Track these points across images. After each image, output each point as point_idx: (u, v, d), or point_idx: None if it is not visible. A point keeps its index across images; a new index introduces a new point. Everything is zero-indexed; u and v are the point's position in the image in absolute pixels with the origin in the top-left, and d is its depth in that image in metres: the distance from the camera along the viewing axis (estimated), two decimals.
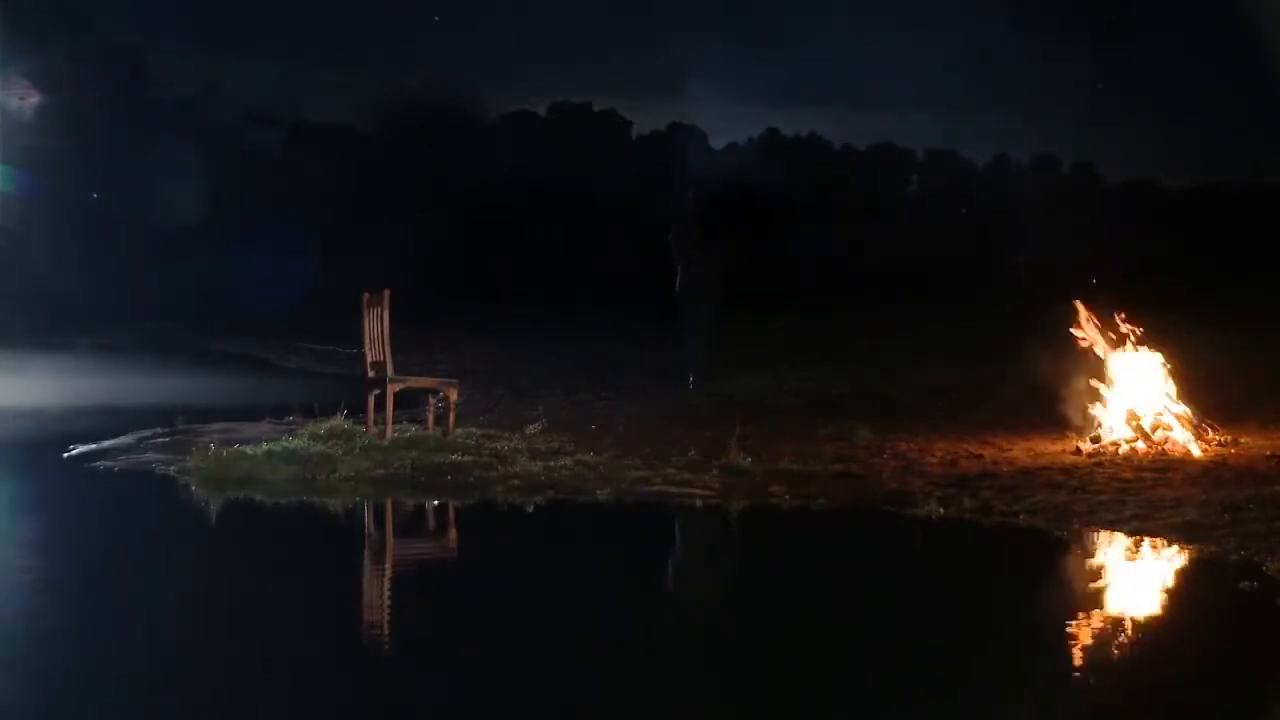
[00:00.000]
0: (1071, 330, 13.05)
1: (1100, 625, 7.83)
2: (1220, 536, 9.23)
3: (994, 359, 17.55)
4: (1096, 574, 9.18)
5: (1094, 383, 12.83)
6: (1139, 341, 12.90)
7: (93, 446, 12.69)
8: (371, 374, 12.61)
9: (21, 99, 37.01)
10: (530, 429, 13.13)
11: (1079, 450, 12.23)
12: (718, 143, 44.91)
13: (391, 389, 12.43)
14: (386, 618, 8.00)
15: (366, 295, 12.75)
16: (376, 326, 12.60)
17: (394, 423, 12.50)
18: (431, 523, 10.76)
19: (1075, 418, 12.89)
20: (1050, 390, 13.49)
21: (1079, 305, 13.07)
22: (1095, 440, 12.41)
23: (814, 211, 38.64)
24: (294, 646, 7.16)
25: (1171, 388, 12.71)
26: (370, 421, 12.48)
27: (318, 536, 10.23)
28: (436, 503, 10.97)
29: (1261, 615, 7.76)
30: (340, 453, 11.72)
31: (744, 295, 29.62)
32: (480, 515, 10.69)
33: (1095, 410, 12.73)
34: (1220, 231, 35.83)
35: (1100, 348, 12.90)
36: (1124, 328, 12.97)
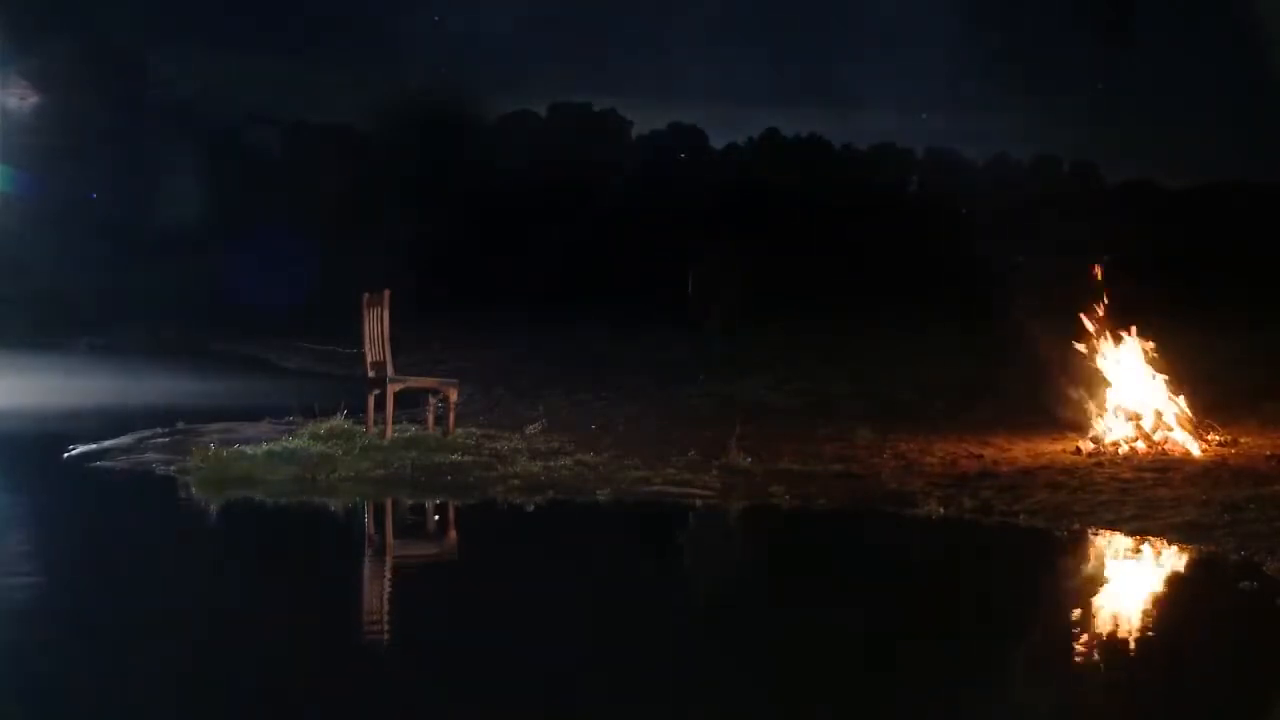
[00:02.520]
0: (1078, 329, 13.00)
1: (1100, 625, 7.83)
2: (1220, 536, 9.23)
3: (993, 359, 17.55)
4: (1096, 574, 9.18)
5: (1094, 382, 12.83)
6: (1139, 341, 12.89)
7: (93, 446, 12.69)
8: (371, 374, 12.61)
9: (21, 99, 36.99)
10: (530, 429, 13.13)
11: (1079, 450, 12.23)
12: (718, 143, 44.93)
13: (391, 389, 12.43)
14: (387, 618, 8.00)
15: (366, 295, 12.76)
16: (376, 326, 12.60)
17: (394, 423, 12.49)
18: (431, 523, 10.76)
19: (1075, 417, 12.89)
20: (1050, 390, 13.50)
21: (1085, 311, 13.03)
22: (1095, 440, 12.40)
23: (814, 211, 38.63)
24: (295, 647, 7.15)
25: (1171, 387, 12.70)
26: (370, 421, 12.48)
27: (318, 536, 10.23)
28: (436, 503, 10.97)
29: (1261, 615, 7.76)
30: (340, 453, 11.72)
31: (745, 295, 29.67)
32: (480, 515, 10.69)
33: (1095, 410, 12.73)
34: (1220, 231, 35.81)
35: (1102, 348, 12.89)
36: (1125, 327, 12.96)
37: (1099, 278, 13.05)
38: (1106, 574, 9.17)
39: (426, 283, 26.97)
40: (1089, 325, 12.99)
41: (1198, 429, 12.48)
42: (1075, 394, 12.95)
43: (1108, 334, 12.94)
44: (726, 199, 39.28)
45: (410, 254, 29.95)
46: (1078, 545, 9.62)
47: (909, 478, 11.31)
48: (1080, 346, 13.02)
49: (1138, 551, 9.35)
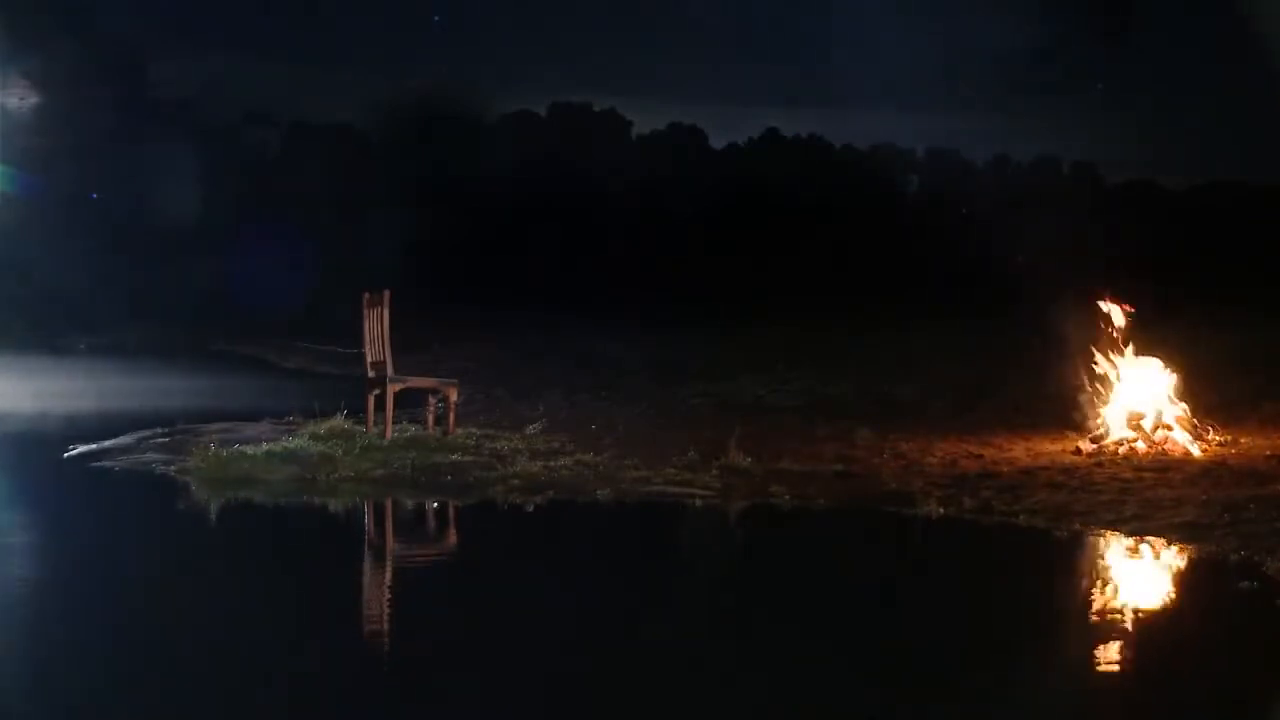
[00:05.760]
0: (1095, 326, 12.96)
1: (1100, 625, 7.83)
2: (1220, 536, 9.23)
3: (994, 359, 17.55)
4: (1096, 574, 9.18)
5: (1095, 382, 12.83)
6: (1140, 339, 12.89)
7: (93, 446, 12.69)
8: (371, 374, 12.61)
9: (21, 99, 37.00)
10: (530, 429, 13.13)
11: (1079, 450, 12.23)
12: (718, 143, 44.96)
13: (391, 389, 12.43)
14: (387, 618, 8.00)
15: (366, 295, 12.76)
16: (376, 326, 12.60)
17: (394, 423, 12.50)
18: (432, 523, 10.77)
19: (1075, 417, 12.88)
20: (1051, 390, 13.48)
21: (1100, 306, 12.99)
22: (1095, 440, 12.40)
23: (814, 211, 38.65)
24: (294, 647, 7.15)
25: (1171, 387, 12.70)
26: (370, 421, 12.48)
27: (318, 536, 10.23)
28: (436, 503, 10.97)
29: (1261, 615, 7.76)
30: (340, 453, 11.72)
31: (745, 295, 29.72)
32: (480, 515, 10.69)
33: (1096, 410, 12.72)
34: (1220, 231, 35.83)
35: (1107, 349, 12.87)
36: (1125, 326, 12.94)
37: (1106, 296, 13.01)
38: (1106, 574, 9.17)
39: (427, 283, 26.96)
40: (1091, 323, 12.98)
41: (1198, 429, 12.47)
42: (1076, 394, 12.94)
43: (1110, 332, 12.92)
44: (726, 199, 39.30)
45: (410, 254, 29.95)
46: (1078, 545, 9.62)
47: (909, 478, 11.30)
48: (1082, 346, 13.02)
49: (1138, 551, 9.35)
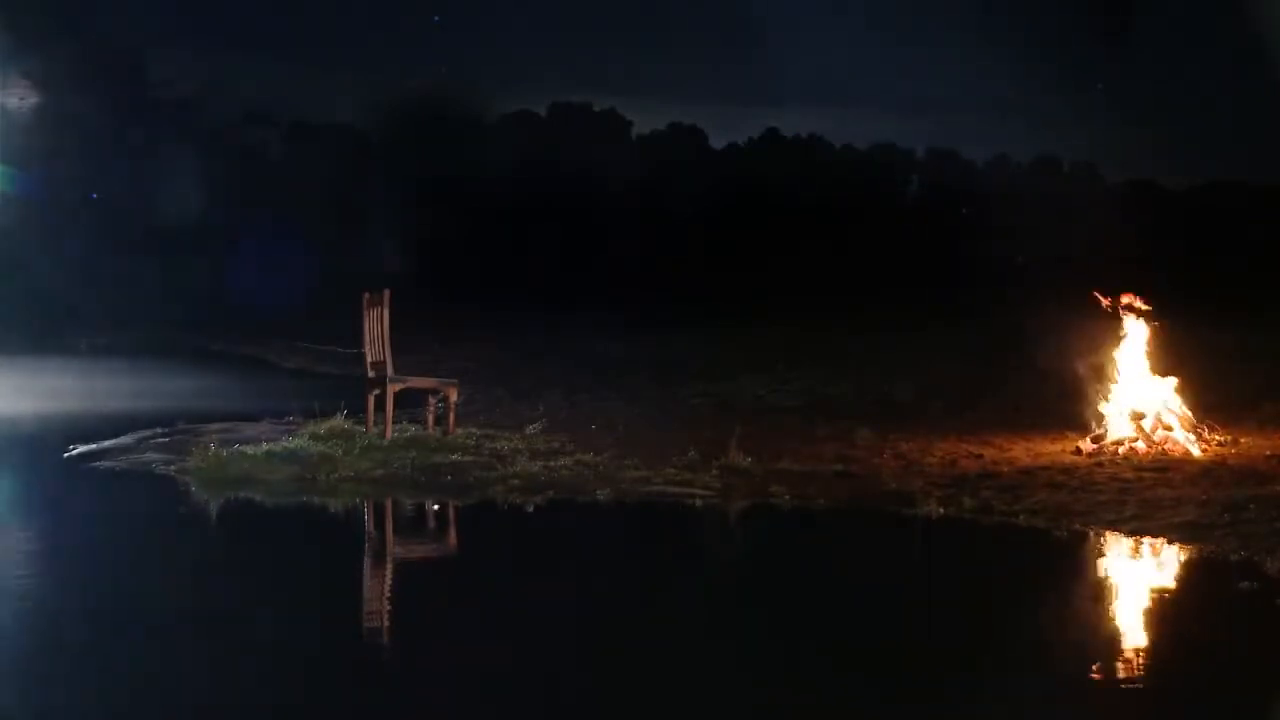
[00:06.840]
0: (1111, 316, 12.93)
1: (1100, 626, 7.83)
2: (1220, 536, 9.23)
3: (994, 359, 17.55)
4: (1096, 574, 9.18)
5: (1096, 381, 12.82)
6: (1142, 338, 12.88)
7: (93, 446, 12.70)
8: (371, 374, 12.61)
9: (21, 99, 37.01)
10: (530, 429, 13.13)
11: (1079, 450, 12.22)
12: (718, 143, 44.97)
13: (391, 389, 12.43)
14: (387, 618, 8.00)
15: (366, 295, 12.76)
16: (376, 326, 12.60)
17: (394, 423, 12.50)
18: (431, 523, 10.77)
19: (1075, 417, 12.87)
20: (1051, 389, 13.47)
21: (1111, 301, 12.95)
22: (1096, 440, 12.39)
23: (813, 211, 38.66)
24: (294, 647, 7.15)
25: (1172, 387, 12.69)
26: (370, 421, 12.49)
27: (318, 536, 10.23)
28: (436, 503, 10.97)
29: (1261, 615, 7.76)
30: (340, 453, 11.73)
31: (745, 295, 29.73)
32: (480, 515, 10.69)
33: (1097, 409, 12.71)
34: (1220, 231, 35.85)
35: (1116, 343, 12.84)
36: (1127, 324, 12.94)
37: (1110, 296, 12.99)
38: (1106, 574, 9.17)
39: (427, 283, 26.96)
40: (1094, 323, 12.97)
41: (1197, 429, 12.47)
42: (1076, 393, 12.93)
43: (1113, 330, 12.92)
44: (726, 199, 39.31)
45: (410, 253, 29.96)
46: (1078, 545, 9.62)
47: (909, 478, 11.30)
48: (1083, 345, 13.01)
49: (1137, 551, 9.35)
